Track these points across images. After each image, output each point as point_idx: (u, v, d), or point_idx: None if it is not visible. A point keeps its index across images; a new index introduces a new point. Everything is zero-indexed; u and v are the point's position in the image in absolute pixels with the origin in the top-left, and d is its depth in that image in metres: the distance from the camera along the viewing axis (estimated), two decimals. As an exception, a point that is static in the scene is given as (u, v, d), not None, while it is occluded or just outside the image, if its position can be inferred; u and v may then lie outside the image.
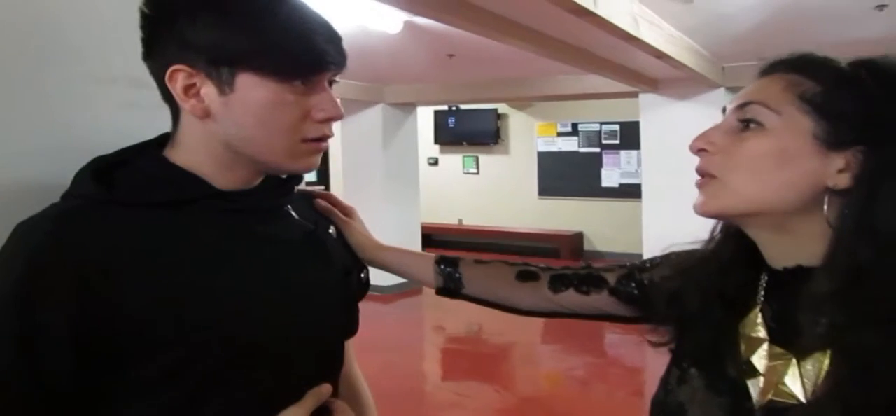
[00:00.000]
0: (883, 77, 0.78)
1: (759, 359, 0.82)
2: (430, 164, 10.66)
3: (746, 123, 0.81)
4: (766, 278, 0.85)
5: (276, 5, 0.79)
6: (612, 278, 1.03)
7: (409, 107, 7.61)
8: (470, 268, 1.10)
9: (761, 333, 0.83)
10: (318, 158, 0.87)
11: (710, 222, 0.91)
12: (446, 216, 10.59)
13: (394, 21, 3.82)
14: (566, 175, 9.79)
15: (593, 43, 4.10)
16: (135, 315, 0.74)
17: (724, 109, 0.87)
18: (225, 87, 0.78)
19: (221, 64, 0.77)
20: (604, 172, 9.56)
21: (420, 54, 5.08)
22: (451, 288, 1.10)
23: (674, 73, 4.76)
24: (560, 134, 9.84)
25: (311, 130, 0.83)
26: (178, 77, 0.78)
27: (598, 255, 9.58)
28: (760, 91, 0.82)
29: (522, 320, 1.14)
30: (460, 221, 10.61)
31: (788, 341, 0.80)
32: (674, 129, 5.84)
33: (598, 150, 9.59)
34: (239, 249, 0.84)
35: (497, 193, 10.35)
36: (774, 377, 0.79)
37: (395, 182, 7.41)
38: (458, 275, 1.09)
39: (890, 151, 0.75)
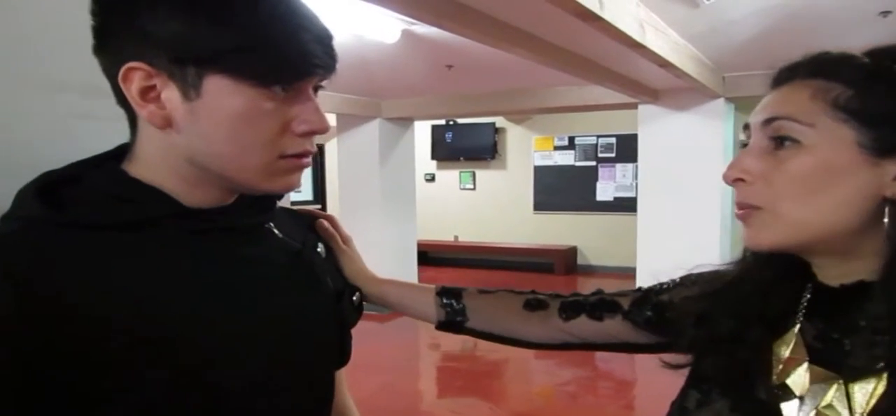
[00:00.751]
0: None
1: (796, 381, 0.75)
2: (427, 180, 10.58)
3: (779, 141, 0.74)
4: (808, 295, 0.78)
5: None
6: (625, 303, 0.98)
7: (406, 121, 7.52)
8: (474, 299, 1.04)
9: (800, 353, 0.76)
10: (299, 177, 0.76)
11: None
12: (442, 233, 10.52)
13: (391, 30, 3.72)
14: (562, 189, 9.75)
15: (597, 51, 4.03)
16: (90, 357, 0.63)
17: (746, 126, 0.80)
18: (190, 91, 0.67)
19: (187, 63, 0.66)
20: (599, 186, 9.52)
21: (418, 65, 5.00)
22: (454, 322, 1.03)
23: (675, 83, 4.71)
24: (557, 148, 9.79)
25: (290, 145, 0.72)
26: (134, 77, 0.66)
27: (592, 269, 9.58)
28: (786, 103, 0.74)
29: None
30: (456, 237, 10.52)
31: (834, 362, 0.73)
32: (673, 140, 5.82)
33: (594, 163, 9.55)
34: (213, 274, 0.74)
35: (493, 208, 10.28)
36: (816, 400, 0.73)
37: (391, 199, 7.30)
38: (460, 306, 1.03)
39: None
